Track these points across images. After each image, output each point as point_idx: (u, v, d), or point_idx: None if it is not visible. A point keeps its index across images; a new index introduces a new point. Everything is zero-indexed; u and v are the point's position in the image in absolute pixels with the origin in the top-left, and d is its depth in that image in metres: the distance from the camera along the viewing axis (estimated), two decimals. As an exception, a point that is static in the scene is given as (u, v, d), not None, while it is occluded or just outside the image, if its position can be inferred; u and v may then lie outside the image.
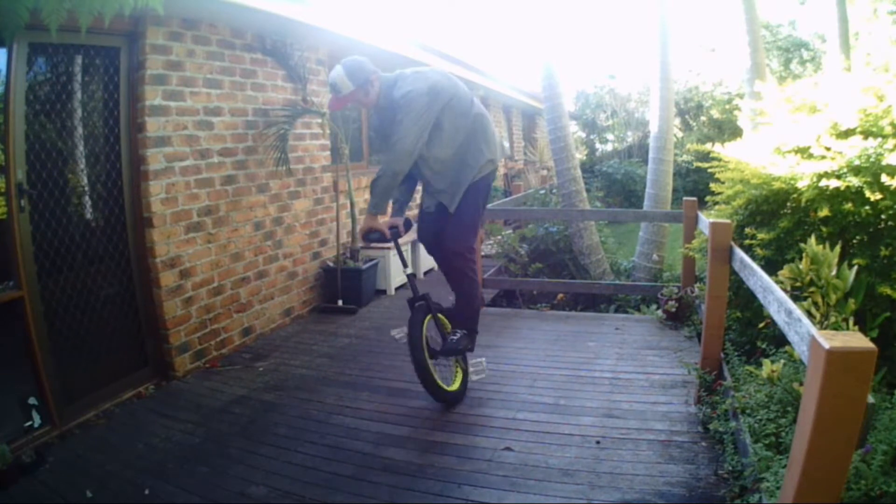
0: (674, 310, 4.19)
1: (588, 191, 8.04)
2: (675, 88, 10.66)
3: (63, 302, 2.97)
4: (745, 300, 3.04)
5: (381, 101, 2.87)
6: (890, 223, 2.53)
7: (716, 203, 3.45)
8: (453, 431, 2.76)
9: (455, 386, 3.06)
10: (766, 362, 2.12)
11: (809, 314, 1.96)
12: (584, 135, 16.53)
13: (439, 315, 3.10)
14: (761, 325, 2.66)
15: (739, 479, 2.10)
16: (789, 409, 2.07)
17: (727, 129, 12.87)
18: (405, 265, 3.12)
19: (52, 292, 2.91)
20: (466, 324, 3.08)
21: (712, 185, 3.46)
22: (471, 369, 3.12)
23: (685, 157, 12.59)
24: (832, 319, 1.97)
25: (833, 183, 2.54)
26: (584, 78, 18.76)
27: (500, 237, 6.32)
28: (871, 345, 1.22)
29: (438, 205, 3.07)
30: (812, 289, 2.05)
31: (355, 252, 4.97)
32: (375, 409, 3.03)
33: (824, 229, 2.62)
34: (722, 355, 2.91)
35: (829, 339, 1.23)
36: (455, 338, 3.00)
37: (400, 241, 3.10)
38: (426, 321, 2.96)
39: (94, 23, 2.91)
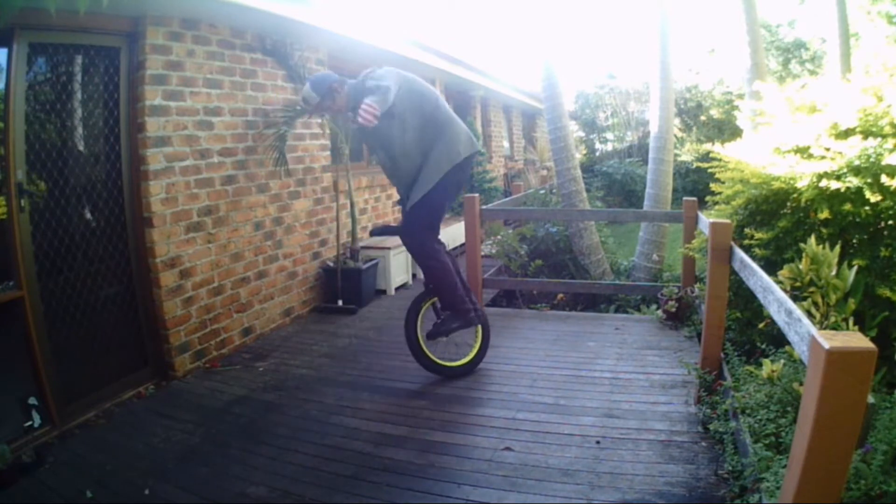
0: (674, 310, 4.19)
1: (588, 191, 8.03)
2: (675, 88, 10.64)
3: (63, 302, 2.97)
4: (745, 300, 3.04)
5: (353, 103, 3.00)
6: (890, 223, 2.53)
7: (716, 203, 3.45)
8: (453, 431, 2.76)
9: (461, 361, 3.41)
10: (766, 362, 2.12)
11: (809, 314, 1.96)
12: (583, 134, 16.50)
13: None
14: (761, 325, 2.65)
15: (739, 479, 2.10)
16: (789, 409, 2.07)
17: (727, 129, 12.84)
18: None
19: (52, 292, 2.91)
20: (448, 306, 3.29)
21: (712, 185, 3.46)
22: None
23: (685, 157, 12.58)
24: (832, 319, 1.97)
25: (833, 184, 2.54)
26: (584, 78, 18.71)
27: (499, 237, 6.31)
28: (871, 345, 1.22)
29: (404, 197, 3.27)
30: (812, 289, 2.05)
31: (355, 252, 4.97)
32: (375, 409, 3.03)
33: (824, 230, 2.62)
34: (722, 355, 2.91)
35: (829, 339, 1.23)
36: (439, 321, 3.31)
37: (398, 241, 3.22)
38: (424, 306, 3.37)
39: (93, 21, 2.92)
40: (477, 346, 3.47)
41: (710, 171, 3.51)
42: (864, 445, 1.66)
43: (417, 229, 3.16)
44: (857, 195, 2.53)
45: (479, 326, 3.46)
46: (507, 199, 7.41)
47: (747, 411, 2.22)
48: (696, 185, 11.72)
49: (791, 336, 1.58)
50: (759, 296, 2.04)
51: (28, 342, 2.77)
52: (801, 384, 1.93)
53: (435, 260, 3.19)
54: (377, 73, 2.96)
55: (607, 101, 15.97)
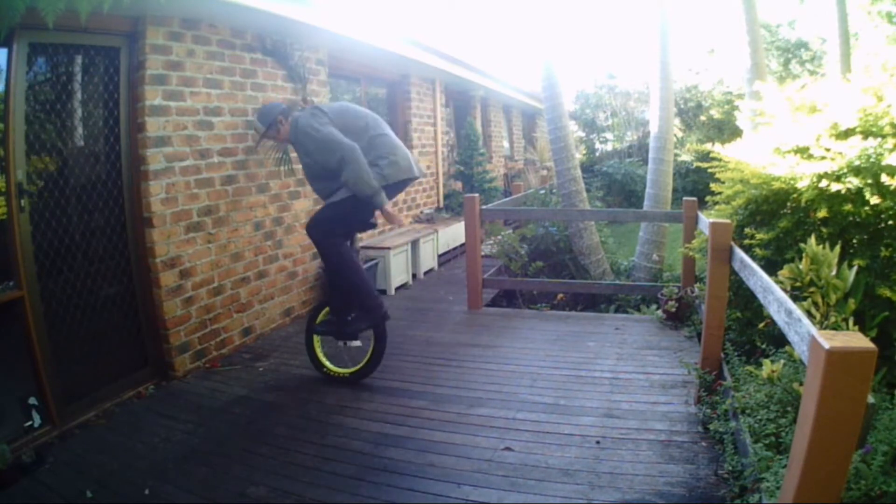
0: (674, 310, 4.19)
1: (588, 191, 8.02)
2: (675, 88, 10.64)
3: (63, 302, 2.97)
4: (745, 300, 3.04)
5: (295, 136, 3.26)
6: (890, 223, 2.53)
7: (716, 203, 3.45)
8: (453, 431, 2.76)
9: (353, 368, 3.41)
10: (766, 362, 2.12)
11: (809, 314, 1.96)
12: (583, 134, 16.50)
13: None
14: (761, 325, 2.66)
15: (739, 479, 2.10)
16: (789, 409, 2.07)
17: (727, 129, 12.83)
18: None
19: (52, 292, 2.91)
20: (352, 304, 3.40)
21: (712, 185, 3.47)
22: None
23: (685, 157, 12.58)
24: (832, 319, 1.97)
25: (834, 186, 2.54)
26: (584, 78, 18.75)
27: (500, 237, 6.32)
28: (871, 345, 1.22)
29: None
30: (812, 289, 2.05)
31: (355, 252, 4.96)
32: (375, 409, 3.04)
33: (824, 229, 2.62)
34: (722, 355, 2.91)
35: (829, 339, 1.23)
36: (350, 320, 3.41)
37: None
38: (321, 317, 3.54)
39: (93, 21, 2.92)
40: (370, 351, 3.35)
41: (710, 171, 3.51)
42: (864, 445, 1.66)
43: (326, 219, 3.29)
44: (857, 196, 2.53)
45: (373, 332, 3.37)
46: (507, 199, 7.41)
47: (747, 411, 2.22)
48: (696, 185, 11.73)
49: (791, 336, 1.58)
50: (759, 296, 2.04)
51: (28, 342, 2.77)
52: (801, 384, 1.93)
53: (337, 255, 3.30)
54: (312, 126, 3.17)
55: (607, 101, 15.97)
